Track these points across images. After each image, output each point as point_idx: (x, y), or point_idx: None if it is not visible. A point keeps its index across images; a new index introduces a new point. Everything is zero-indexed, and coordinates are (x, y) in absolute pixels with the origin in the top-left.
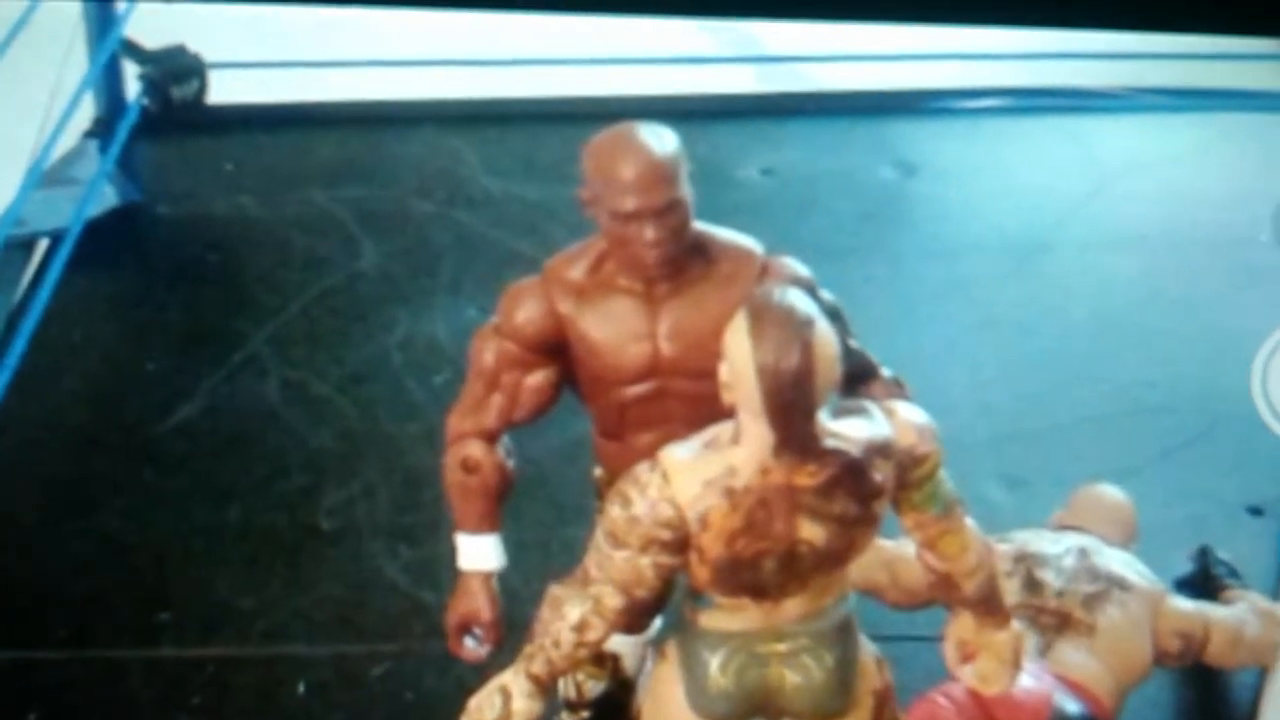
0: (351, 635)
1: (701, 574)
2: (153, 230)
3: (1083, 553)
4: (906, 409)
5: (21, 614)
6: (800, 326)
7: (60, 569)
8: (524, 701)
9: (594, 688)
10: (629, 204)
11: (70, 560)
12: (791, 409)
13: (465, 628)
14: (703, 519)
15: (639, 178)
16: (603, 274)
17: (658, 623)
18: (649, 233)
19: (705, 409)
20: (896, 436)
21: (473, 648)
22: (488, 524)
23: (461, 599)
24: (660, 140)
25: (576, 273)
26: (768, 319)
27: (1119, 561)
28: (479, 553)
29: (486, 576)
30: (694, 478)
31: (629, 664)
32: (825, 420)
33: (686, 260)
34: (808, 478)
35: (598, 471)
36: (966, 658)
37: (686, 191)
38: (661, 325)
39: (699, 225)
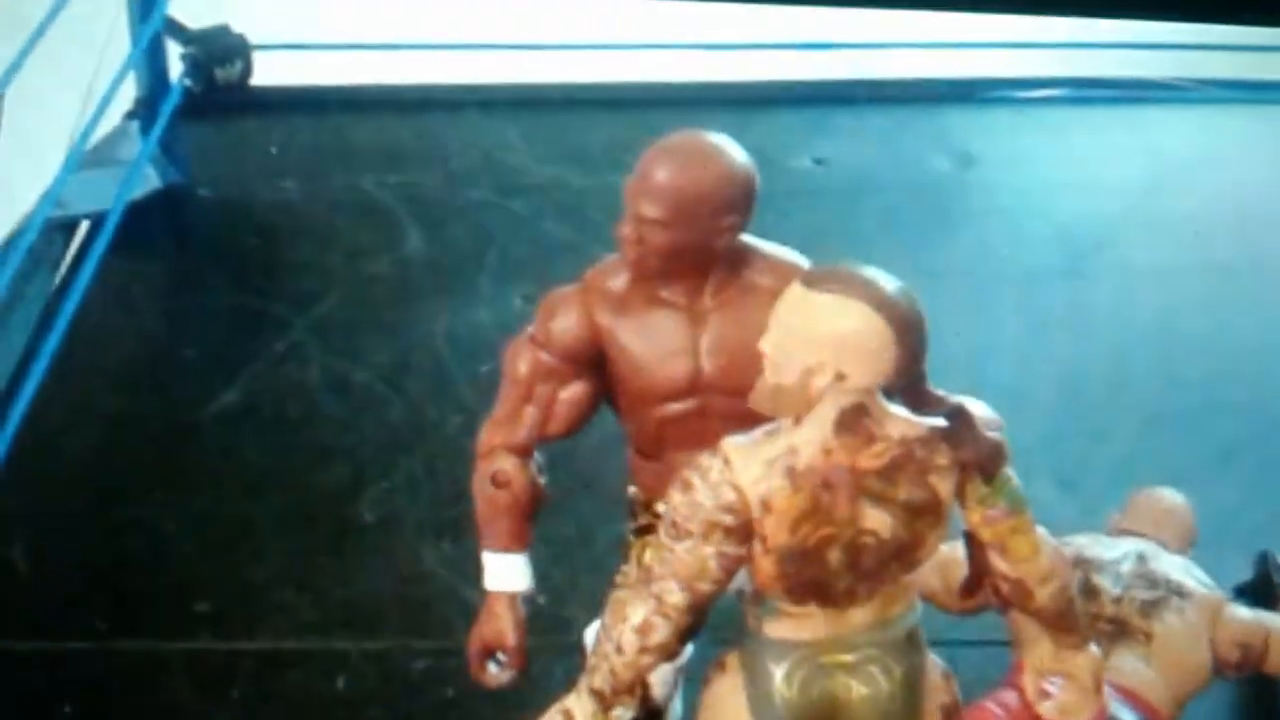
0: (393, 630)
1: (766, 566)
2: (195, 213)
3: (1140, 558)
4: (971, 401)
5: (57, 604)
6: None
7: (97, 558)
8: None
9: (622, 715)
10: (628, 193)
11: (107, 549)
12: None
13: (489, 652)
14: (765, 501)
15: (647, 182)
16: (644, 286)
17: (689, 650)
18: (625, 227)
19: (747, 428)
20: None
21: (495, 673)
22: (516, 543)
23: (486, 621)
24: (707, 166)
25: (617, 283)
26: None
27: (1177, 567)
28: (506, 573)
29: (513, 597)
30: (755, 459)
31: (658, 691)
32: (888, 404)
33: (723, 277)
34: (871, 459)
35: (631, 490)
36: (1043, 693)
37: (703, 228)
38: (704, 341)
39: (745, 239)
